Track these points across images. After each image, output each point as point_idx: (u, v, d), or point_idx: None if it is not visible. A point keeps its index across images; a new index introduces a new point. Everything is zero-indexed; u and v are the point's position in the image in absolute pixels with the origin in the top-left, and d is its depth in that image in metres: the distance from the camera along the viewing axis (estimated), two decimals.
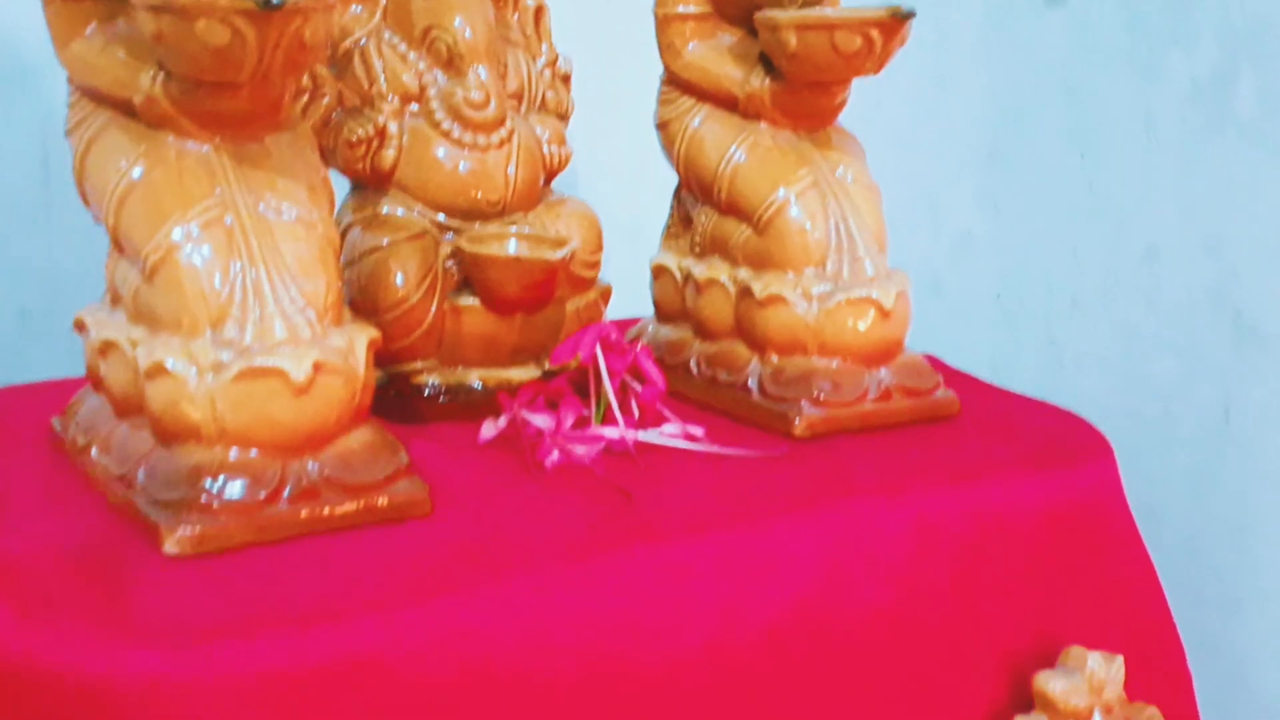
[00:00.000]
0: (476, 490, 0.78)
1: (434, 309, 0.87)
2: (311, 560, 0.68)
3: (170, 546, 0.67)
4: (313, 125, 0.84)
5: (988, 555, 0.80)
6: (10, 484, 0.78)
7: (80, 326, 0.78)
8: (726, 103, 0.93)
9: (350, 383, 0.71)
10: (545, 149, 0.92)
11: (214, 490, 0.68)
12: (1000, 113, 1.33)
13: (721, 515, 0.76)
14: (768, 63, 0.90)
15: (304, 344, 0.70)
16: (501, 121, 0.88)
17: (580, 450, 0.81)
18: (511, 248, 0.87)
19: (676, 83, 0.95)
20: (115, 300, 0.76)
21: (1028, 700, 0.76)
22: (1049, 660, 0.76)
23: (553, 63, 0.95)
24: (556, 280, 0.88)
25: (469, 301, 0.88)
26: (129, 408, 0.74)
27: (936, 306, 1.36)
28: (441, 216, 0.88)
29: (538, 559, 0.69)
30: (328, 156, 0.85)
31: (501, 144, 0.88)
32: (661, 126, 0.97)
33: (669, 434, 0.84)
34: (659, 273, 0.99)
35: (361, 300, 0.85)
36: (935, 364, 0.94)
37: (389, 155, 0.87)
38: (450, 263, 0.87)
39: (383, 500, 0.72)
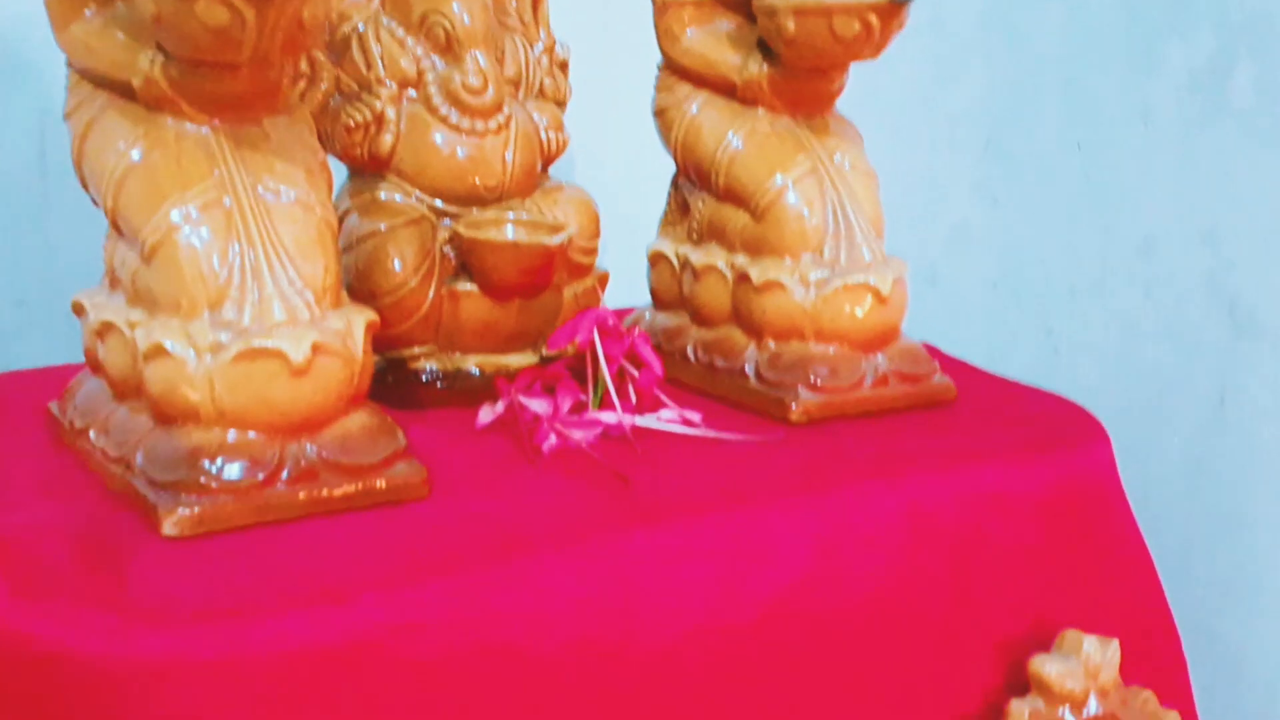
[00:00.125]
0: (474, 474, 0.78)
1: (431, 294, 0.87)
2: (309, 542, 0.68)
3: (169, 527, 0.67)
4: (311, 110, 0.83)
5: (984, 539, 0.80)
6: (8, 467, 0.78)
7: (78, 309, 0.78)
8: (724, 89, 0.93)
9: (348, 365, 0.71)
10: (543, 135, 0.92)
11: (212, 471, 0.68)
12: (998, 102, 1.33)
13: (718, 499, 0.76)
14: (766, 49, 0.90)
15: (302, 326, 0.70)
16: (499, 107, 0.88)
17: (577, 435, 0.81)
18: (509, 233, 0.87)
19: (674, 69, 0.95)
20: (114, 283, 0.76)
21: (1023, 684, 0.76)
22: (1044, 644, 0.77)
23: (550, 49, 0.95)
24: (554, 266, 0.88)
25: (466, 287, 0.88)
26: (127, 390, 0.74)
27: (933, 296, 1.36)
28: (439, 202, 0.88)
29: (535, 541, 0.70)
30: (325, 142, 0.85)
31: (499, 129, 0.88)
32: (659, 113, 0.97)
33: (666, 419, 0.84)
34: (656, 260, 0.99)
35: (359, 285, 0.85)
36: (932, 352, 0.94)
37: (387, 141, 0.87)
38: (448, 248, 0.87)
39: (381, 482, 0.72)
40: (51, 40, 0.76)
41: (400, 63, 0.88)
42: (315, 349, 0.69)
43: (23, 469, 0.78)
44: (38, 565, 0.65)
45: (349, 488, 0.71)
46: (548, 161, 0.93)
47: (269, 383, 0.69)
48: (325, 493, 0.70)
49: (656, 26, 0.95)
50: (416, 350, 0.88)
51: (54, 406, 0.83)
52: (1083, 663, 0.75)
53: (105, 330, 0.75)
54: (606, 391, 0.83)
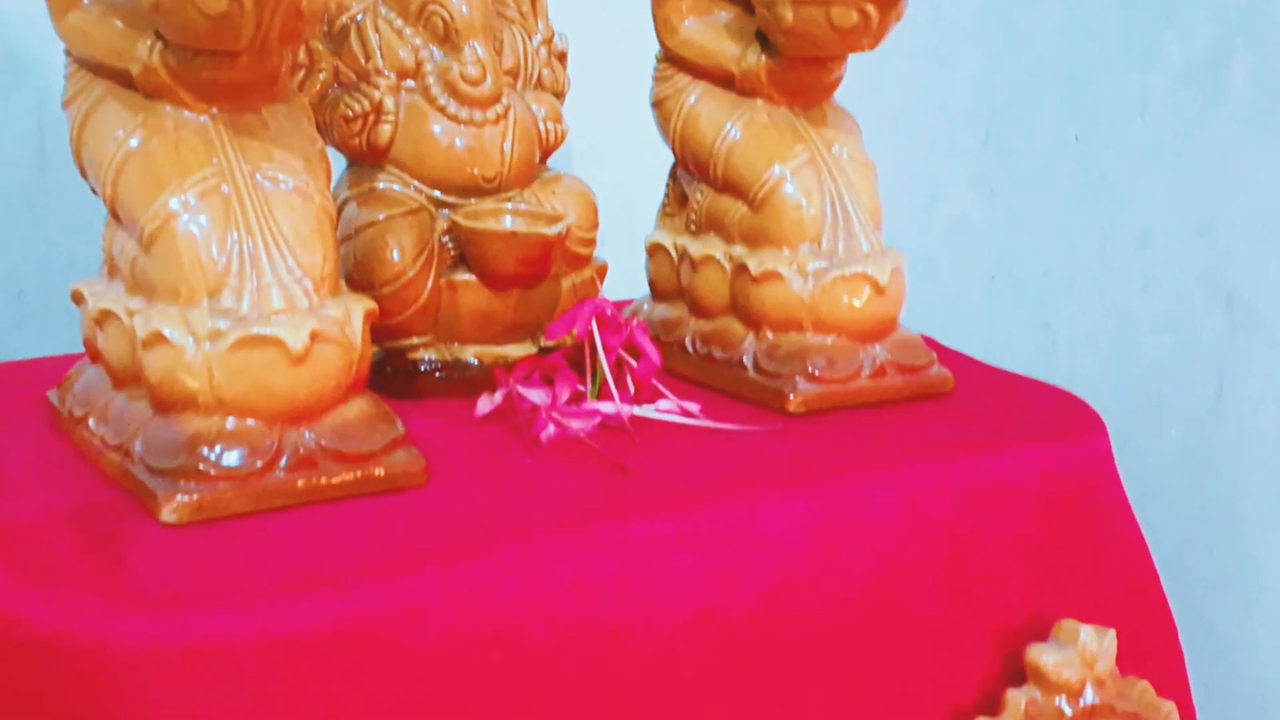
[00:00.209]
0: (472, 462, 0.78)
1: (430, 285, 0.87)
2: (308, 528, 0.68)
3: (167, 514, 0.67)
4: (309, 101, 0.84)
5: (981, 529, 0.80)
6: (7, 455, 0.78)
7: (77, 298, 0.79)
8: (722, 80, 0.93)
9: (347, 353, 0.71)
10: (541, 126, 0.92)
11: (211, 459, 0.68)
12: (996, 96, 1.33)
13: (716, 489, 0.76)
14: (764, 39, 0.90)
15: (301, 314, 0.70)
16: (497, 98, 0.88)
17: (576, 425, 0.81)
18: (508, 223, 0.87)
19: (672, 60, 0.95)
20: (113, 271, 0.76)
21: (1020, 673, 0.76)
22: (1042, 634, 0.77)
23: (549, 40, 0.95)
24: (552, 256, 0.88)
25: (465, 277, 0.88)
26: (126, 378, 0.74)
27: (931, 289, 1.36)
28: (438, 192, 0.88)
29: (533, 529, 0.70)
30: (324, 132, 0.85)
31: (497, 120, 0.88)
32: (657, 104, 0.97)
33: (664, 409, 0.85)
34: (654, 251, 0.99)
35: (358, 275, 0.85)
36: (930, 344, 0.94)
37: (385, 131, 0.87)
38: (446, 238, 0.88)
39: (379, 470, 0.72)
40: (50, 32, 0.76)
41: (399, 53, 0.88)
42: (313, 337, 0.70)
43: (22, 457, 0.78)
44: (37, 552, 0.65)
45: (347, 475, 0.71)
46: (546, 152, 0.93)
47: (267, 370, 0.69)
48: (324, 480, 0.70)
49: (655, 17, 0.95)
50: (415, 340, 0.88)
51: (53, 395, 0.83)
52: (1079, 653, 0.75)
53: (104, 318, 0.75)
54: (605, 382, 0.83)
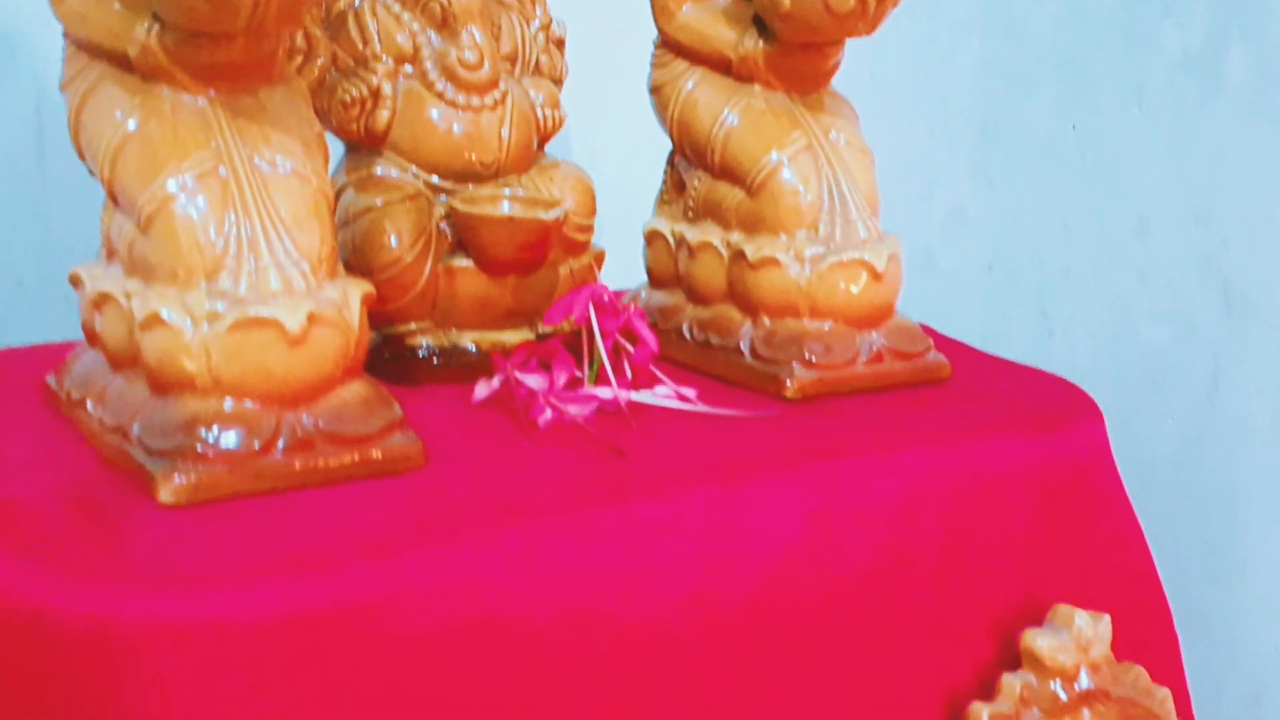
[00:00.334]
0: (470, 446, 0.78)
1: (427, 270, 0.87)
2: (306, 510, 0.68)
3: (165, 495, 0.67)
4: (308, 86, 0.84)
5: (977, 515, 0.81)
6: (5, 438, 0.78)
7: (75, 281, 0.79)
8: (720, 65, 0.93)
9: (344, 335, 0.71)
10: (539, 112, 0.92)
11: (209, 440, 0.68)
12: (993, 85, 1.33)
13: (713, 472, 0.76)
14: (761, 25, 0.90)
15: (298, 296, 0.70)
16: (495, 83, 0.88)
17: (573, 410, 0.81)
18: (505, 208, 0.88)
19: (670, 45, 0.95)
20: (110, 254, 0.76)
21: (1015, 658, 0.76)
22: (1037, 619, 0.77)
23: (547, 26, 0.95)
24: (550, 241, 0.88)
25: (463, 263, 0.88)
26: (124, 360, 0.74)
27: (929, 278, 1.36)
28: (435, 178, 0.88)
29: (530, 512, 0.70)
30: (322, 117, 0.85)
31: (495, 105, 0.88)
32: (655, 90, 0.97)
33: (661, 394, 0.85)
34: (652, 238, 0.99)
35: (355, 261, 0.85)
36: (928, 332, 0.94)
37: (383, 116, 0.87)
38: (444, 224, 0.88)
39: (377, 453, 0.72)
40: (47, 18, 0.76)
41: (396, 38, 0.88)
42: (311, 319, 0.70)
43: (20, 439, 0.78)
44: (35, 532, 0.65)
45: (345, 457, 0.71)
46: (544, 139, 0.93)
47: (265, 352, 0.69)
48: (321, 462, 0.70)
49: (652, 3, 0.95)
50: (413, 326, 0.88)
51: (51, 379, 0.83)
52: (1074, 637, 0.75)
53: (102, 301, 0.75)
54: (602, 367, 0.83)
